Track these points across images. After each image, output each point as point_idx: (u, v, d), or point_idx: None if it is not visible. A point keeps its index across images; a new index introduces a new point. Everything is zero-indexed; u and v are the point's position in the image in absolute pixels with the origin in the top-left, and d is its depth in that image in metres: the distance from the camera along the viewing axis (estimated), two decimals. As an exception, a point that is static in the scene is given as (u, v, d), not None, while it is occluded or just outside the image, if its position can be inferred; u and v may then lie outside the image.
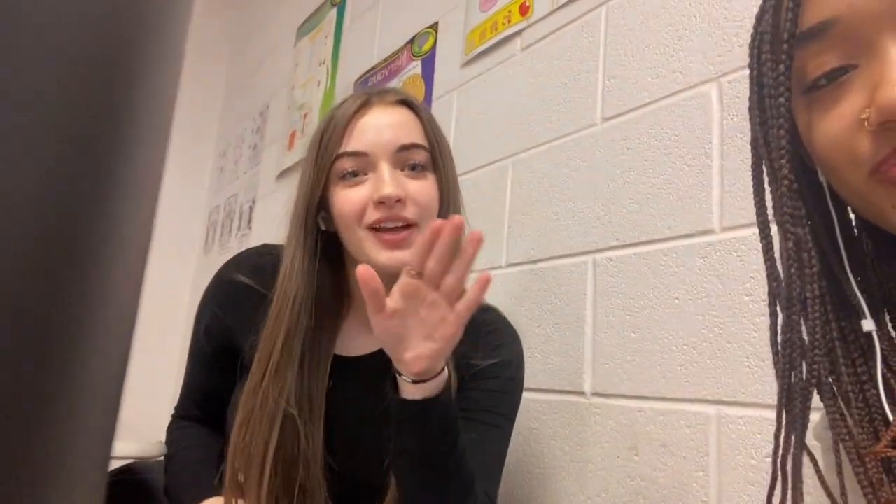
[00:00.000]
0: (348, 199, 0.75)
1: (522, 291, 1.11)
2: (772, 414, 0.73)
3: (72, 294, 0.13)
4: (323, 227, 0.80)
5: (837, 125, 0.40)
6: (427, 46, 1.52)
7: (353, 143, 0.76)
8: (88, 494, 0.14)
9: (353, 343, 0.83)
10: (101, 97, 0.13)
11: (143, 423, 2.65)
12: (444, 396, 0.69)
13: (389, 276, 0.70)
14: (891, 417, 0.42)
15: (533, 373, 1.06)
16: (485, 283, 0.65)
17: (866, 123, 0.38)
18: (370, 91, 0.82)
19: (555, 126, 1.12)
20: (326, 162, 0.77)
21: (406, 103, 0.81)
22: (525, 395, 1.06)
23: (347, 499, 0.79)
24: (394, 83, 1.62)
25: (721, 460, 0.78)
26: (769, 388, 0.75)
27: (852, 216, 0.47)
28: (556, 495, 0.97)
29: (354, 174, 0.76)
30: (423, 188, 0.77)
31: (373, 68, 1.74)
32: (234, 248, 2.44)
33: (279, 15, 2.51)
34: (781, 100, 0.42)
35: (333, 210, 0.77)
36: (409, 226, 0.75)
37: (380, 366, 0.73)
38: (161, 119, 0.16)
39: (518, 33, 1.24)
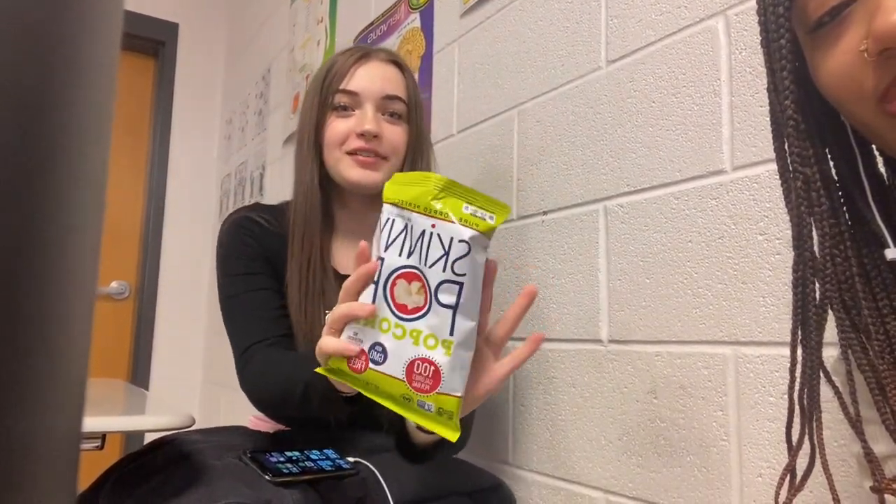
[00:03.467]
0: (336, 127, 0.94)
1: (535, 243, 1.11)
2: (787, 352, 0.74)
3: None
4: None
5: (841, 60, 0.40)
6: (424, -3, 1.48)
7: (351, 84, 0.95)
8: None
9: (346, 262, 0.98)
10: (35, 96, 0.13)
11: (172, 396, 2.72)
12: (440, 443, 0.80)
13: (360, 198, 0.97)
14: None
15: (549, 323, 1.06)
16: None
17: (866, 54, 0.38)
18: (369, 47, 1.00)
19: (559, 72, 1.09)
20: (327, 96, 0.95)
21: (396, 63, 0.99)
22: (543, 345, 1.07)
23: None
24: (393, 38, 1.59)
25: (740, 399, 0.78)
26: (786, 327, 0.74)
27: (877, 152, 0.47)
28: (578, 441, 0.99)
29: (345, 108, 0.95)
30: (396, 132, 0.96)
31: (371, 24, 1.70)
32: (249, 215, 2.45)
33: (273, -26, 2.45)
34: (782, 41, 0.43)
35: (324, 135, 0.95)
36: (379, 156, 0.94)
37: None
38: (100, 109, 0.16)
39: (516, -23, 1.20)
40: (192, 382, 2.77)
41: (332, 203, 0.99)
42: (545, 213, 1.10)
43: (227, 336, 0.96)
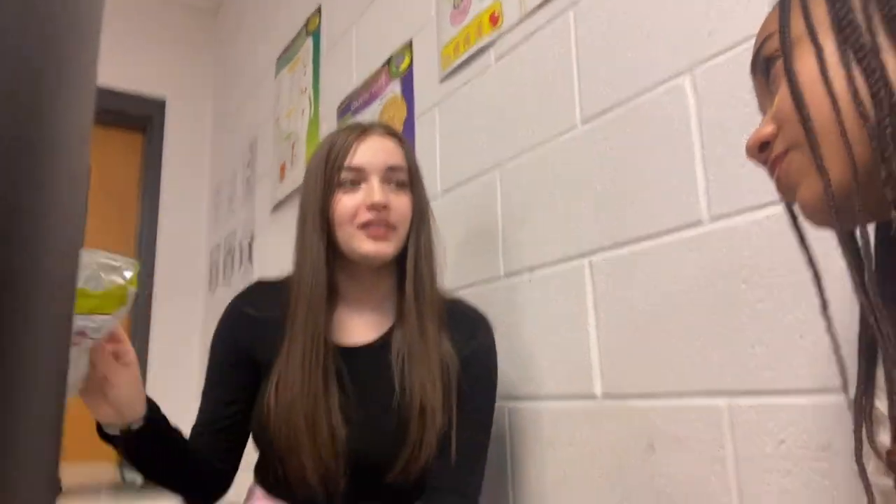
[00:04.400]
0: (345, 203, 0.96)
1: (524, 301, 1.11)
2: (781, 401, 0.73)
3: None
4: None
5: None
6: (404, 66, 1.53)
7: (355, 160, 0.97)
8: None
9: (350, 334, 0.99)
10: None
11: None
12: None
13: (371, 269, 0.99)
14: None
15: (543, 381, 1.06)
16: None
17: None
18: (367, 123, 1.05)
19: (537, 133, 1.12)
20: (333, 174, 0.97)
21: (394, 136, 1.04)
22: (538, 403, 1.06)
23: (364, 476, 0.91)
24: (375, 105, 1.63)
25: (737, 451, 0.77)
26: (777, 375, 0.74)
27: None
28: (578, 502, 0.96)
29: (352, 183, 0.97)
30: (402, 201, 0.99)
31: (354, 92, 1.75)
32: (239, 284, 2.44)
33: (258, 49, 2.53)
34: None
35: (333, 212, 0.97)
36: (389, 226, 0.96)
37: (379, 354, 0.96)
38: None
39: (491, 44, 1.25)
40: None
41: (336, 275, 1.00)
42: (532, 269, 1.10)
43: None
